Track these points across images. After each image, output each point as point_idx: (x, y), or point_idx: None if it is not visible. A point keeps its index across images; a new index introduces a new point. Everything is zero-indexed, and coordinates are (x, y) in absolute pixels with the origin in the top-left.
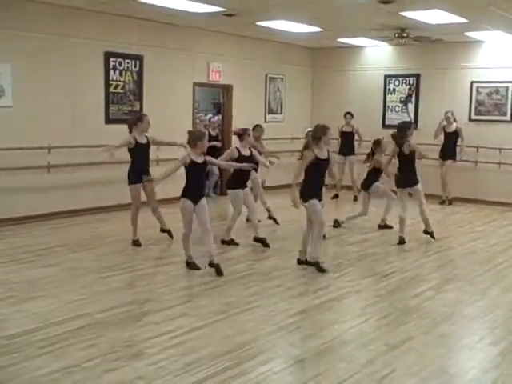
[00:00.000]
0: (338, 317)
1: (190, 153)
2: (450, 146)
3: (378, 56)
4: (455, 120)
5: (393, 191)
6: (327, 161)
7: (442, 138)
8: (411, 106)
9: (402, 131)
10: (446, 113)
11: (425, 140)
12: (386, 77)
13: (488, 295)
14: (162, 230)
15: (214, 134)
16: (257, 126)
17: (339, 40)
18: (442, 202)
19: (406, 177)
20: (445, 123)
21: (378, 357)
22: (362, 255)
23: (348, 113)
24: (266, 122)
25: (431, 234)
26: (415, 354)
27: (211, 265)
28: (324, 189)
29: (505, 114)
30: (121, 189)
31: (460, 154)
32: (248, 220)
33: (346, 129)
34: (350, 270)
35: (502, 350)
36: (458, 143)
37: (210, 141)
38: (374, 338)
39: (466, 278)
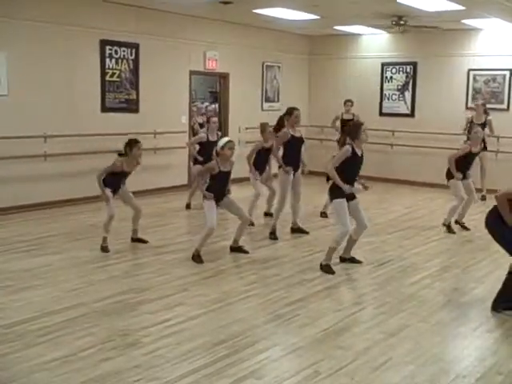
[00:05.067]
0: (334, 305)
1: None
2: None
3: (375, 44)
4: (485, 111)
5: None
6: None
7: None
8: (408, 94)
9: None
10: (476, 104)
11: (422, 129)
12: (383, 65)
13: (484, 283)
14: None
15: None
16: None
17: (336, 28)
18: (483, 198)
19: None
20: (473, 114)
21: (374, 345)
22: (358, 244)
23: (348, 100)
24: (262, 110)
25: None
26: (411, 342)
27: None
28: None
29: (502, 101)
30: None
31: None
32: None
33: (346, 116)
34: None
35: (497, 337)
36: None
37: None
38: (371, 326)
39: (463, 266)
